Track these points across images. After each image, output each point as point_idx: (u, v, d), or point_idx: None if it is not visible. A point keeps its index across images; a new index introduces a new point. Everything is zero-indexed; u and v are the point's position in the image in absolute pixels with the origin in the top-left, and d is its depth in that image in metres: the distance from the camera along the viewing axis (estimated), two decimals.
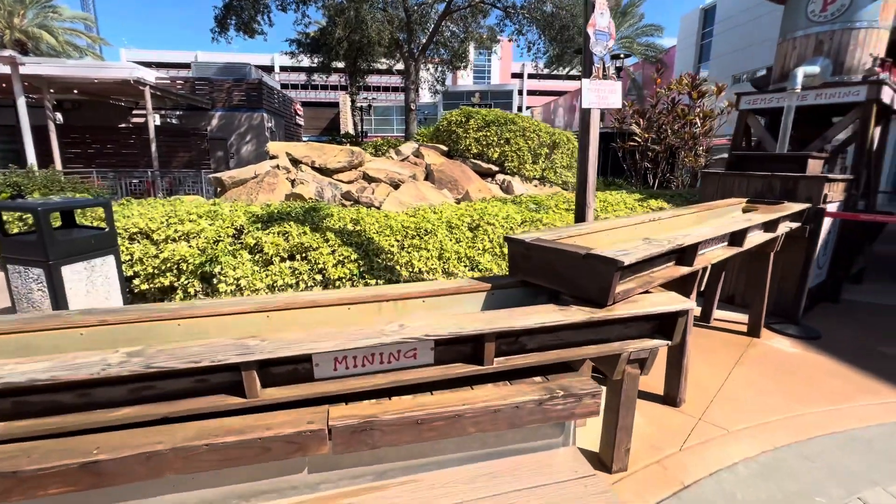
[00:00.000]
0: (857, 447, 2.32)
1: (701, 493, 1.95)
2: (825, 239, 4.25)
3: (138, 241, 3.54)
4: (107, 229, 2.88)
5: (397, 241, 3.68)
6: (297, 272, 3.36)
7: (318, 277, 3.36)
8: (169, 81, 15.00)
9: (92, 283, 2.77)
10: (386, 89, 39.96)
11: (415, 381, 1.60)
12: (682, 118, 8.81)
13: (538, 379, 1.79)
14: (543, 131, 7.98)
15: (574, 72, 27.65)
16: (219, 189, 6.70)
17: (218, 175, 6.61)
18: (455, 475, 1.66)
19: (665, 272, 2.15)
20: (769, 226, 3.30)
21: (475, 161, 7.86)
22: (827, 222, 4.08)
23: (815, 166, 4.20)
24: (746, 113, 5.38)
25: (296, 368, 1.52)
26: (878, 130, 5.11)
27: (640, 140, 8.93)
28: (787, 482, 2.04)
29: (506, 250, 3.83)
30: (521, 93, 44.13)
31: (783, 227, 3.51)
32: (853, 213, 3.86)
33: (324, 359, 1.51)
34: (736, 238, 2.78)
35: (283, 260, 3.46)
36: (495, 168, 7.85)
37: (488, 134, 7.76)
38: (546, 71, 24.08)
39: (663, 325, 1.89)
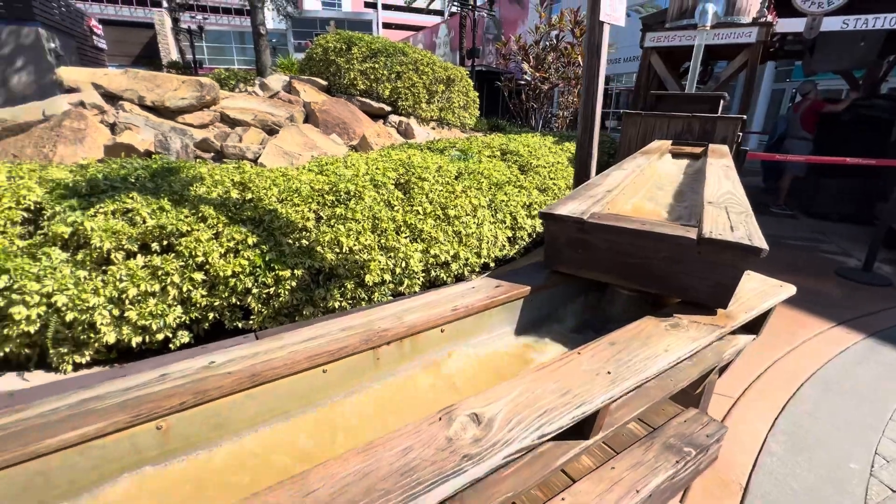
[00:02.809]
0: (835, 390, 2.38)
1: (763, 494, 1.70)
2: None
3: None
4: None
5: (312, 210, 2.65)
6: (160, 273, 2.17)
7: (200, 277, 2.22)
8: None
9: None
10: (216, 10, 33.05)
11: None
12: (566, 56, 8.75)
13: (636, 429, 1.23)
14: (437, 65, 7.07)
15: (436, 5, 26.24)
16: None
17: None
18: None
19: None
20: None
21: (363, 99, 6.65)
22: None
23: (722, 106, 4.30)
24: (650, 51, 5.32)
25: None
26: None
27: (530, 79, 8.67)
28: (818, 451, 1.93)
29: (451, 212, 3.11)
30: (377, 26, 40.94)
31: None
32: (769, 154, 4.09)
33: None
34: None
35: (130, 256, 2.20)
36: (387, 108, 6.77)
37: (376, 66, 6.55)
38: (405, 2, 22.34)
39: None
